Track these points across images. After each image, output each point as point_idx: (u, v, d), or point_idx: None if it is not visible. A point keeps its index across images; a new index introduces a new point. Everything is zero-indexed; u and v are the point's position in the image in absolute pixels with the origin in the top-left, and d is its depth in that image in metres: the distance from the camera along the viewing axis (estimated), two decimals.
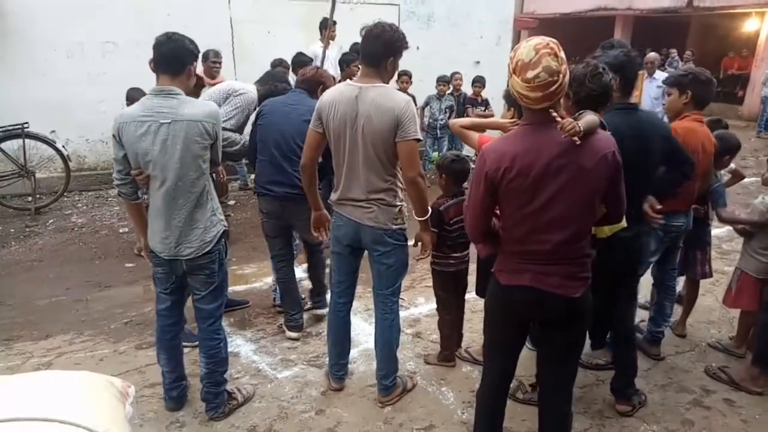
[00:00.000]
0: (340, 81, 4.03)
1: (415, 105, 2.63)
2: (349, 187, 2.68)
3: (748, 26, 14.70)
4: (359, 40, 2.61)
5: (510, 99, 2.89)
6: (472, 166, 2.54)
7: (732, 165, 3.78)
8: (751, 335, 3.40)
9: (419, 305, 4.11)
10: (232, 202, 6.43)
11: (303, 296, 3.87)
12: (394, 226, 2.70)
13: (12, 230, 5.58)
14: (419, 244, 2.84)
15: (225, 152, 3.44)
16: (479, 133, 2.87)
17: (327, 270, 3.83)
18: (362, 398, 3.02)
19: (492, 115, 7.09)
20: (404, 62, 2.77)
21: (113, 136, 2.46)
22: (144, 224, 2.62)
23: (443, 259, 3.15)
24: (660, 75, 7.16)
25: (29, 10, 6.37)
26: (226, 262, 2.74)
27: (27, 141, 6.04)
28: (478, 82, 7.49)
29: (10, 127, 5.91)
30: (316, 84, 3.37)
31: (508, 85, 2.05)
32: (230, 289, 3.91)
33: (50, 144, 6.22)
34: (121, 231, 5.60)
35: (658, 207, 2.58)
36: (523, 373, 2.86)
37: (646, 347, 3.47)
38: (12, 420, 1.42)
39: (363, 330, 3.64)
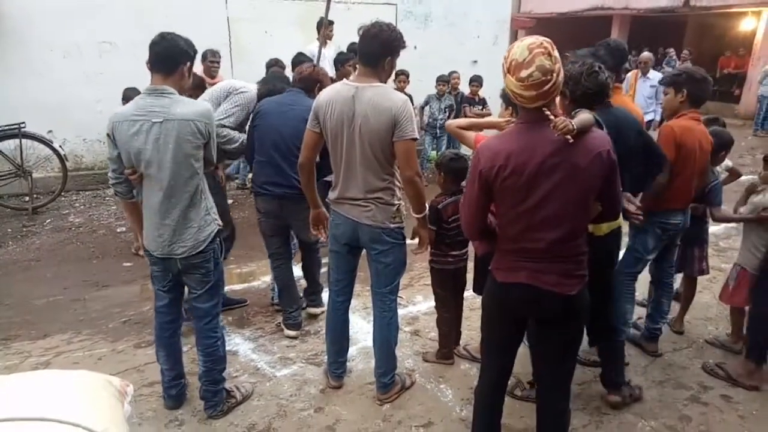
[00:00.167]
0: (334, 81, 4.03)
1: (412, 104, 2.64)
2: (347, 186, 2.69)
3: (745, 25, 14.73)
4: (356, 39, 2.62)
5: (507, 98, 2.91)
6: None
7: (729, 163, 3.80)
8: (745, 330, 3.42)
9: (418, 303, 4.12)
10: (230, 202, 6.42)
11: (301, 295, 3.87)
12: (392, 225, 2.71)
13: (9, 230, 5.57)
14: (417, 238, 2.85)
15: (224, 150, 3.46)
16: (476, 132, 2.88)
17: (323, 269, 3.84)
18: (361, 396, 3.03)
19: (489, 114, 7.10)
20: (401, 62, 2.78)
21: (107, 135, 2.47)
22: (140, 223, 2.63)
23: (442, 257, 3.15)
24: (654, 75, 7.16)
25: (26, 11, 6.36)
26: (222, 261, 2.74)
27: (24, 141, 6.04)
28: (476, 81, 7.51)
29: (7, 127, 5.90)
30: (313, 82, 3.37)
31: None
32: (228, 287, 3.93)
33: (47, 144, 6.21)
34: (118, 230, 5.59)
35: (638, 203, 2.58)
36: (522, 371, 2.87)
37: (643, 344, 3.48)
38: (10, 420, 1.42)
39: (361, 328, 3.64)
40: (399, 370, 3.07)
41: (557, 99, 2.41)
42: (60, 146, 6.33)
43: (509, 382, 2.98)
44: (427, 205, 2.77)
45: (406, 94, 5.76)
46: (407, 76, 6.89)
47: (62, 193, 6.38)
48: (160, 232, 2.51)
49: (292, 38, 6.89)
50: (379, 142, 2.53)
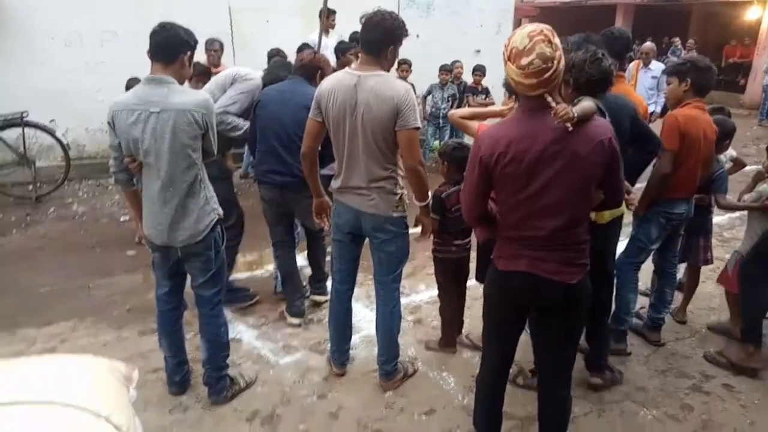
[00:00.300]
0: (335, 69, 4.01)
1: (415, 93, 2.62)
2: (350, 175, 2.68)
3: (750, 14, 14.61)
4: (359, 28, 2.60)
5: (510, 87, 2.90)
6: None
7: (734, 153, 3.79)
8: None
9: (420, 292, 4.13)
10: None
11: (304, 283, 3.88)
12: (395, 214, 2.71)
13: (13, 218, 5.58)
14: (420, 226, 2.85)
15: (229, 137, 3.46)
16: (479, 122, 2.87)
17: (328, 258, 3.84)
18: (364, 383, 3.05)
19: (492, 104, 7.07)
20: (404, 51, 2.76)
21: (108, 123, 2.47)
22: (141, 211, 2.63)
23: (445, 247, 3.16)
24: (656, 66, 7.03)
25: (27, 0, 6.33)
26: (223, 250, 2.75)
27: (26, 130, 6.02)
28: (479, 70, 7.46)
29: (10, 116, 5.89)
30: (314, 70, 3.36)
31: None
32: (233, 276, 3.93)
33: (50, 133, 6.20)
34: (121, 219, 5.60)
35: (631, 189, 2.58)
36: (524, 359, 2.88)
37: (646, 333, 3.49)
38: (14, 403, 1.42)
39: (364, 316, 3.65)
40: (402, 358, 3.09)
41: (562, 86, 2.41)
42: (62, 135, 6.32)
43: (511, 371, 2.98)
44: (430, 194, 2.77)
45: (408, 83, 5.73)
46: (410, 65, 6.85)
47: (65, 182, 6.37)
48: (159, 220, 2.52)
49: (293, 28, 6.84)
50: (382, 131, 2.52)
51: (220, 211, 2.65)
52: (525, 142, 1.92)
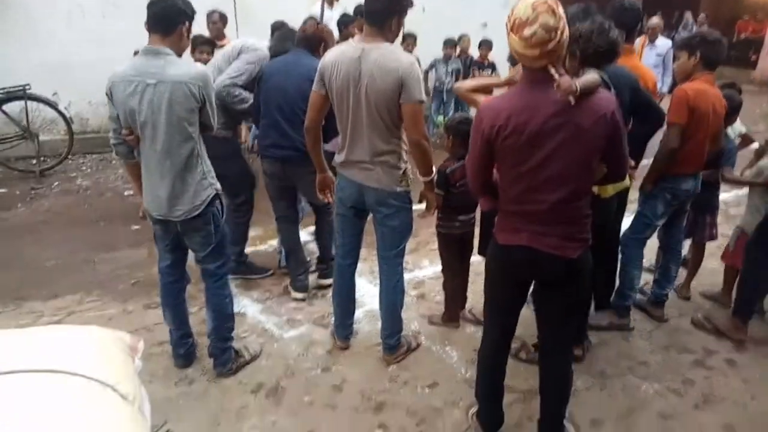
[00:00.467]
0: (338, 42, 3.95)
1: (420, 67, 2.57)
2: (353, 149, 2.66)
3: None
4: (362, 2, 2.55)
5: (514, 60, 2.85)
6: None
7: (743, 129, 3.74)
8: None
9: (424, 268, 4.13)
10: None
11: (308, 258, 3.88)
12: (399, 189, 2.69)
13: (17, 192, 5.59)
14: (424, 202, 2.83)
15: (236, 110, 3.43)
16: (485, 95, 2.82)
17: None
18: (367, 357, 3.07)
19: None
20: (409, 24, 2.71)
21: (106, 94, 2.45)
22: (141, 184, 2.63)
23: (448, 222, 3.14)
24: (662, 42, 6.79)
25: None
26: (224, 224, 2.75)
27: (29, 103, 5.99)
28: (485, 44, 7.35)
29: (12, 89, 5.86)
30: (317, 41, 3.30)
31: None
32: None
33: (52, 106, 6.17)
34: (125, 193, 5.60)
35: (632, 163, 2.56)
36: (526, 333, 2.89)
37: (649, 309, 3.50)
38: (22, 371, 1.44)
39: (368, 291, 3.66)
40: (405, 333, 3.10)
41: (567, 59, 2.37)
42: (65, 108, 6.29)
43: (514, 345, 3.02)
44: (434, 169, 2.74)
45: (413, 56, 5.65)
46: (414, 39, 6.75)
47: (69, 156, 6.37)
48: (158, 193, 2.52)
49: (298, 0, 6.73)
50: (386, 104, 2.49)
51: (218, 185, 2.63)
52: (526, 115, 1.90)
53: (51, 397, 1.38)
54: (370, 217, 2.88)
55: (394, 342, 3.00)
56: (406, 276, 3.31)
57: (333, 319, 3.17)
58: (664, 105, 3.13)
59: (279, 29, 4.35)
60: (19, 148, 6.11)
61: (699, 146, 3.06)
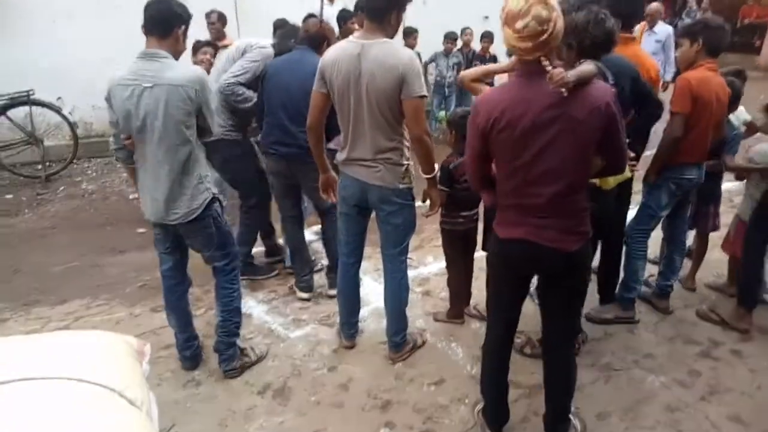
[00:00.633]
0: (338, 38, 3.94)
1: (421, 62, 2.57)
2: (355, 146, 2.66)
3: None
4: None
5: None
6: None
7: (747, 116, 3.70)
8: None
9: (428, 264, 4.13)
10: None
11: (313, 257, 3.89)
12: (401, 186, 2.69)
13: (24, 198, 5.64)
14: (427, 201, 2.83)
15: (240, 109, 3.44)
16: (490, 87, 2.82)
17: None
18: (373, 355, 3.08)
19: None
20: (409, 17, 2.70)
21: (105, 99, 2.47)
22: None
23: (452, 218, 3.14)
24: (661, 29, 6.68)
25: None
26: (225, 224, 2.76)
27: (33, 108, 6.03)
28: (487, 37, 7.32)
29: (16, 95, 5.89)
30: (320, 39, 3.29)
31: None
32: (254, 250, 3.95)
33: (56, 111, 6.20)
34: (131, 197, 5.63)
35: (632, 154, 2.55)
36: (532, 329, 2.89)
37: (654, 301, 3.49)
38: (29, 379, 1.46)
39: (373, 289, 3.67)
40: (410, 330, 3.11)
41: (564, 50, 2.36)
42: (69, 113, 6.32)
43: (519, 340, 3.03)
44: (437, 166, 2.74)
45: (415, 52, 5.64)
46: (416, 34, 6.73)
47: (74, 161, 6.40)
48: (155, 197, 2.53)
49: None
50: (387, 101, 2.49)
51: (215, 189, 2.64)
52: (520, 108, 1.90)
53: (59, 404, 1.40)
54: (373, 215, 2.88)
55: (400, 339, 3.01)
56: (411, 273, 3.31)
57: (338, 318, 3.18)
58: (670, 93, 3.12)
59: (282, 27, 4.36)
60: (24, 153, 6.15)
61: (702, 135, 3.04)
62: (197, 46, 4.46)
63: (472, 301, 3.42)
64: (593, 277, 3.33)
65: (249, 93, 3.42)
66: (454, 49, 7.37)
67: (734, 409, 2.65)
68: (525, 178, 1.98)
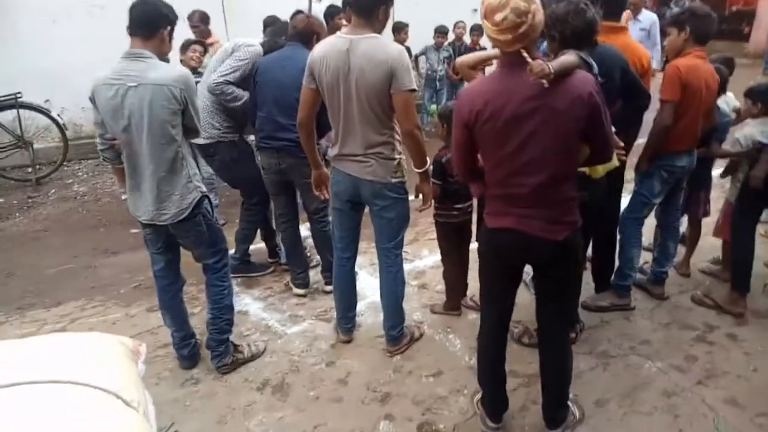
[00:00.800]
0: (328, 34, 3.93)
1: (410, 57, 2.56)
2: (346, 142, 2.65)
3: None
4: None
5: None
6: None
7: (737, 103, 3.73)
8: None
9: (424, 257, 4.14)
10: None
11: (308, 254, 3.89)
12: (393, 180, 2.69)
13: (15, 202, 5.59)
14: (420, 196, 2.83)
15: (231, 108, 3.44)
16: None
17: None
18: (371, 349, 3.09)
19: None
20: (398, 12, 2.69)
21: (90, 99, 2.45)
22: None
23: (446, 211, 3.14)
24: (646, 17, 6.67)
25: None
26: (215, 222, 2.76)
27: (22, 111, 5.97)
28: (476, 30, 7.31)
29: (3, 98, 5.83)
30: (309, 34, 3.28)
31: None
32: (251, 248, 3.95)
33: (45, 113, 6.14)
34: (123, 198, 5.55)
35: (620, 144, 2.56)
36: (529, 319, 2.90)
37: (649, 288, 3.51)
38: (25, 383, 1.44)
39: (369, 284, 3.67)
40: (407, 323, 3.12)
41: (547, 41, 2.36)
42: (58, 115, 6.27)
43: (516, 330, 3.05)
44: (428, 160, 2.74)
45: (405, 47, 5.63)
46: (407, 28, 6.72)
47: (64, 163, 6.35)
48: (144, 197, 2.52)
49: None
50: (377, 96, 2.48)
51: (203, 188, 2.63)
52: (502, 99, 1.91)
53: (55, 408, 1.39)
54: (367, 209, 2.88)
55: (397, 333, 3.02)
56: (406, 266, 3.32)
57: (335, 313, 3.18)
58: (657, 81, 3.13)
59: (272, 25, 4.34)
60: (14, 157, 6.10)
61: (693, 122, 3.05)
62: (186, 45, 4.43)
63: (468, 293, 3.43)
64: (588, 266, 3.36)
65: (239, 92, 3.41)
66: (445, 43, 7.36)
67: (730, 392, 2.68)
68: (510, 168, 2.00)
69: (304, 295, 3.62)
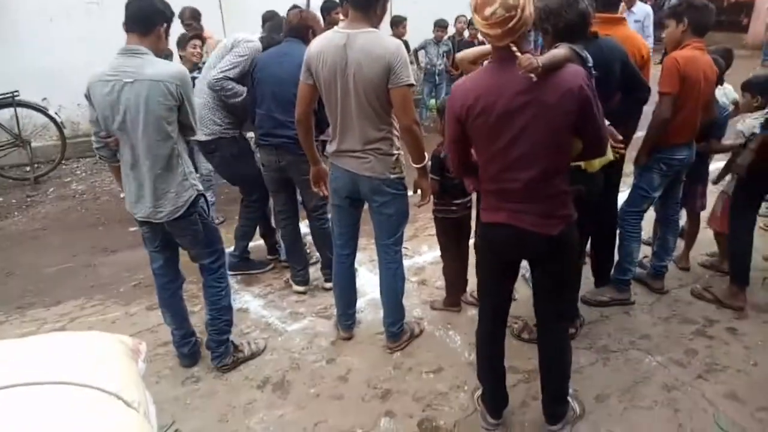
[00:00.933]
0: (322, 30, 3.90)
1: (408, 51, 2.55)
2: (344, 138, 2.64)
3: None
4: None
5: None
6: None
7: (736, 96, 3.71)
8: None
9: (423, 254, 4.14)
10: None
11: (308, 250, 3.89)
12: (392, 176, 2.68)
13: (13, 201, 5.59)
14: (419, 191, 2.83)
15: (231, 104, 3.43)
16: None
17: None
18: (371, 345, 3.09)
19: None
20: (399, 6, 2.68)
21: (85, 96, 2.44)
22: None
23: (445, 206, 3.14)
24: (640, 8, 6.63)
25: None
26: (211, 221, 2.75)
27: (19, 110, 5.96)
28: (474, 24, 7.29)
29: (1, 96, 5.82)
30: (304, 29, 3.26)
31: None
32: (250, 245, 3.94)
33: (43, 112, 6.14)
34: (121, 196, 5.52)
35: (618, 137, 2.56)
36: (529, 314, 2.89)
37: (649, 282, 3.51)
38: (24, 385, 1.43)
39: (369, 280, 3.67)
40: (407, 319, 3.11)
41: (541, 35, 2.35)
42: (56, 113, 6.25)
43: (516, 325, 3.05)
44: (427, 155, 2.73)
45: (403, 41, 5.61)
46: (405, 23, 6.69)
47: (62, 161, 6.35)
48: (140, 194, 2.51)
49: None
50: (374, 91, 2.47)
51: (200, 186, 2.62)
52: (493, 94, 1.92)
53: (55, 410, 1.38)
54: (366, 206, 2.87)
55: (397, 329, 3.02)
56: (406, 262, 3.31)
57: (335, 310, 3.18)
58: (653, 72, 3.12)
59: (270, 20, 4.32)
60: (12, 155, 6.10)
61: (691, 115, 3.04)
62: (184, 39, 4.40)
63: (468, 288, 3.43)
64: (587, 260, 3.35)
65: (239, 87, 3.41)
66: (445, 37, 7.34)
67: (730, 386, 2.68)
68: (502, 163, 2.01)
69: (304, 292, 3.62)
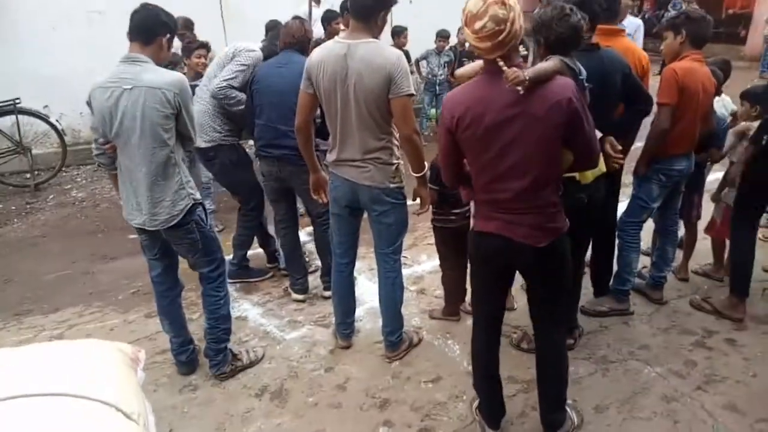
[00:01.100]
0: (323, 40, 3.93)
1: (409, 62, 2.57)
2: (344, 147, 2.65)
3: None
4: None
5: None
6: None
7: (734, 107, 3.74)
8: (726, 262, 3.58)
9: (422, 263, 4.14)
10: None
11: (307, 259, 3.88)
12: (392, 185, 2.69)
13: (13, 207, 5.59)
14: (418, 200, 2.83)
15: (233, 112, 3.44)
16: None
17: None
18: (370, 354, 3.08)
19: None
20: (396, 16, 2.70)
21: (87, 104, 2.46)
22: None
23: (444, 216, 3.14)
24: (630, 21, 6.66)
25: None
26: (210, 230, 2.75)
27: (20, 117, 5.98)
28: None
29: (2, 104, 5.84)
30: (307, 42, 3.29)
31: None
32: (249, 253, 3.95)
33: (44, 119, 6.15)
34: (121, 203, 5.58)
35: (619, 147, 2.56)
36: (528, 324, 2.89)
37: (648, 292, 3.50)
38: (22, 396, 1.42)
39: (368, 289, 3.66)
40: (406, 328, 3.11)
41: (536, 48, 2.37)
42: (57, 121, 6.27)
43: (515, 335, 3.05)
44: (426, 164, 2.74)
45: (404, 51, 5.63)
46: (405, 33, 6.73)
47: (63, 169, 6.36)
48: (137, 201, 2.52)
49: None
50: (375, 101, 2.48)
51: (197, 195, 2.62)
52: (482, 106, 1.94)
53: (53, 423, 1.37)
54: (366, 214, 2.87)
55: (396, 338, 3.01)
56: (405, 271, 3.31)
57: (334, 318, 3.18)
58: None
59: (273, 29, 4.34)
60: (12, 162, 6.11)
61: (690, 126, 3.06)
62: (190, 48, 4.40)
63: (467, 298, 3.42)
64: (587, 270, 3.35)
65: (242, 96, 3.43)
66: (446, 47, 7.37)
67: (730, 397, 2.67)
68: (492, 174, 2.03)
69: (302, 301, 3.62)
